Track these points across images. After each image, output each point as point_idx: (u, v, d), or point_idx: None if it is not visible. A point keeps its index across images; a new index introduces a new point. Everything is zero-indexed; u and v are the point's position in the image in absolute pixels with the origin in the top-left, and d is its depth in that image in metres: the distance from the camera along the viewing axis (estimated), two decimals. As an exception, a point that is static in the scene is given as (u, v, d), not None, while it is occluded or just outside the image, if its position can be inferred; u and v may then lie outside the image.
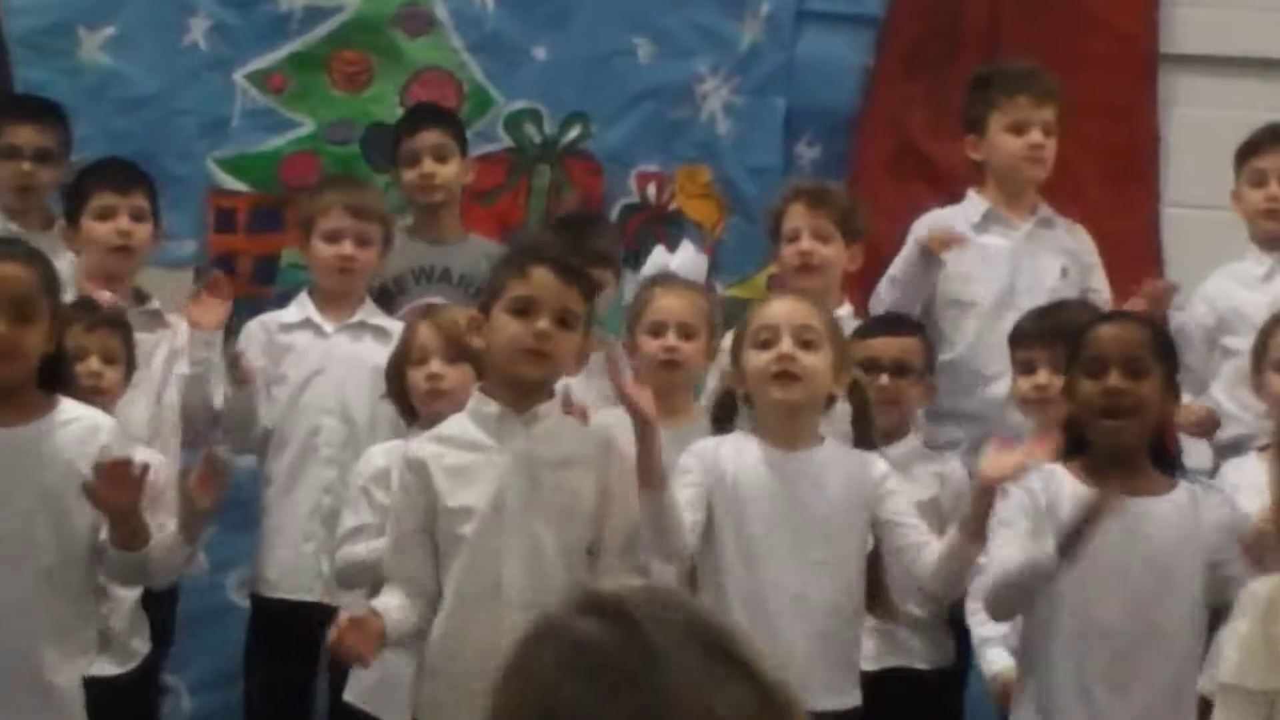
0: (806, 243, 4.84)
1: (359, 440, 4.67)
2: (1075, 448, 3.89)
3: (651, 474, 3.72)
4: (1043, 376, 4.45)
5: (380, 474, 4.26)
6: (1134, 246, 5.62)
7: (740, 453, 3.96)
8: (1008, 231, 5.11)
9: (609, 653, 1.46)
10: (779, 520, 3.91)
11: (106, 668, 4.27)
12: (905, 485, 4.14)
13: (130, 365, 4.49)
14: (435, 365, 4.30)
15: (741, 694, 1.46)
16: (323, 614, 4.37)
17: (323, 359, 4.83)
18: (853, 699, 3.95)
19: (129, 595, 4.40)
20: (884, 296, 4.94)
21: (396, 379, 4.43)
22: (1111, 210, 5.57)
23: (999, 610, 3.95)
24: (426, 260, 5.10)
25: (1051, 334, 4.41)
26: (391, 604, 3.69)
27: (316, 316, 4.89)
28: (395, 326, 4.72)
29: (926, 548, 3.90)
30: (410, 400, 4.39)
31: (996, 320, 4.92)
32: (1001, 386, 4.77)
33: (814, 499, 3.92)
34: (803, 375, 3.91)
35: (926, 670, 4.55)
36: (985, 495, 3.79)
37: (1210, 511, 3.87)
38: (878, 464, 4.02)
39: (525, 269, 3.75)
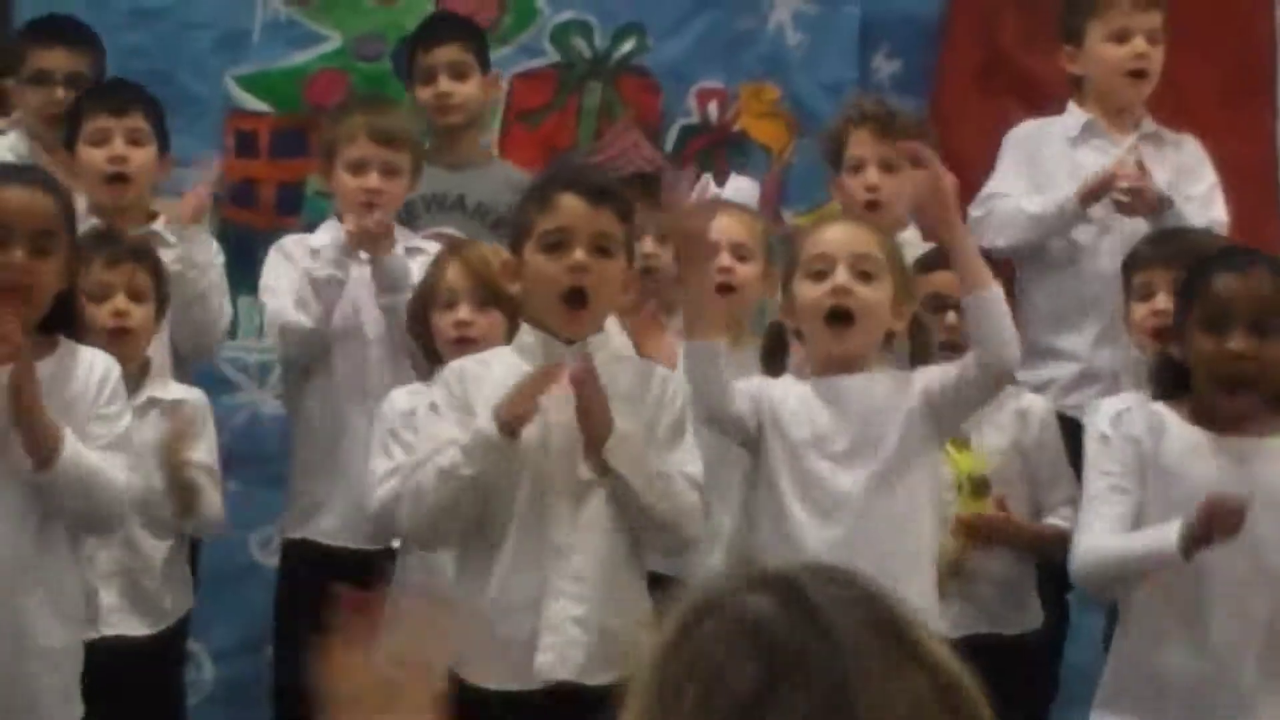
0: (873, 175, 4.66)
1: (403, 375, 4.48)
2: (1180, 385, 3.66)
3: (702, 323, 3.67)
4: (1162, 301, 4.21)
5: (406, 416, 4.11)
6: (1252, 171, 5.46)
7: (793, 389, 3.81)
8: (1108, 147, 4.89)
9: (784, 633, 1.47)
10: (831, 434, 3.74)
11: (137, 627, 4.19)
12: (983, 430, 4.03)
13: (162, 302, 4.32)
14: (464, 311, 4.14)
15: (921, 683, 1.47)
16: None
17: (363, 289, 4.58)
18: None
19: (158, 547, 4.25)
20: (1010, 230, 4.69)
21: (420, 321, 4.24)
22: (1227, 130, 5.33)
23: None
24: (440, 186, 4.89)
25: (1174, 258, 4.19)
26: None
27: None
28: (432, 246, 4.53)
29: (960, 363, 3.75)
30: (434, 344, 4.19)
31: (1093, 247, 4.76)
32: (1096, 321, 4.65)
33: (863, 410, 3.75)
34: (859, 312, 3.73)
35: (1012, 636, 4.31)
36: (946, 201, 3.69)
37: None
38: (923, 371, 3.84)
39: (550, 199, 3.62)
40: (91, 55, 4.89)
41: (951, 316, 4.23)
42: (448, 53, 4.94)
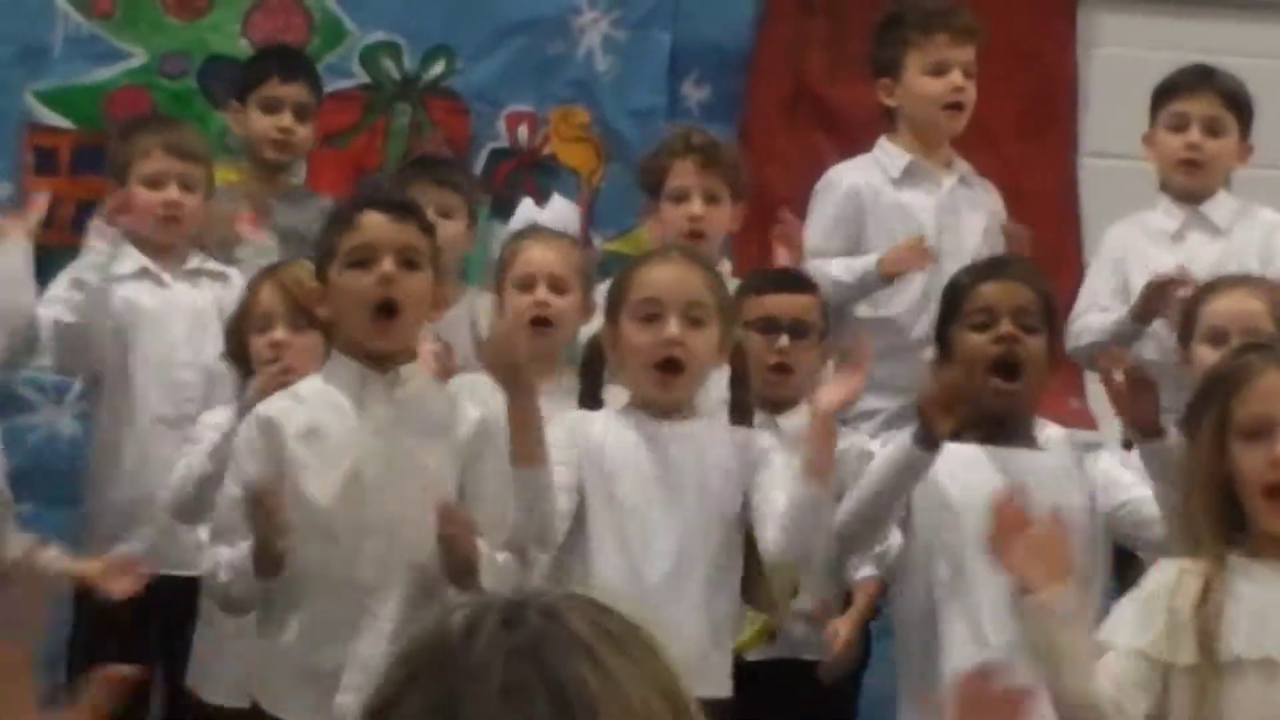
0: (697, 206, 4.61)
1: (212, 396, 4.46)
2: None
3: (527, 450, 3.47)
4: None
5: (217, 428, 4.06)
6: (1050, 203, 5.50)
7: (611, 426, 3.77)
8: (932, 188, 4.88)
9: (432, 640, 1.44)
10: (653, 489, 3.70)
11: None
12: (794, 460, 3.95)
13: None
14: (280, 332, 4.07)
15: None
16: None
17: (166, 309, 4.58)
18: (724, 689, 3.69)
19: None
20: (821, 285, 4.61)
21: (236, 342, 4.18)
22: (1026, 163, 5.46)
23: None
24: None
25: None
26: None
27: (152, 265, 4.62)
28: (235, 273, 4.57)
29: (777, 501, 3.69)
30: (250, 366, 4.12)
31: (919, 282, 4.72)
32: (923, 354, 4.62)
33: (690, 466, 3.73)
34: (689, 361, 3.70)
35: (814, 662, 4.32)
36: (824, 429, 3.63)
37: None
38: (761, 438, 3.83)
39: (352, 218, 3.58)
40: None
41: (783, 339, 4.25)
42: (296, 91, 4.91)
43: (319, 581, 3.50)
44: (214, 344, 4.41)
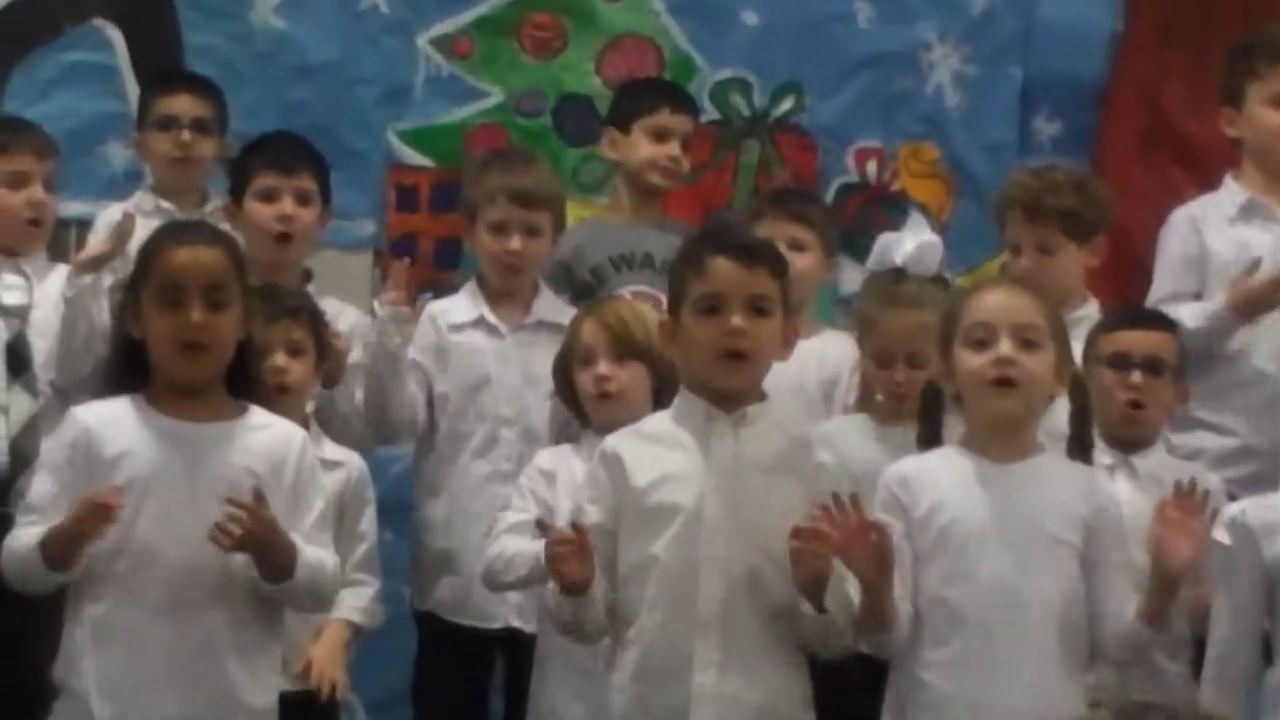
0: (1027, 260, 4.55)
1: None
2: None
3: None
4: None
5: (546, 475, 4.13)
6: None
7: (947, 466, 3.75)
8: (1269, 224, 4.77)
9: None
10: (998, 539, 3.66)
11: (291, 682, 4.10)
12: (1142, 505, 3.89)
13: (321, 355, 4.30)
14: (603, 366, 4.12)
15: None
16: (504, 635, 4.32)
17: (497, 363, 4.59)
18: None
19: None
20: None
21: (564, 381, 4.23)
22: None
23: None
24: (627, 246, 4.87)
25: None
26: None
27: (490, 315, 4.63)
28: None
29: (1120, 617, 3.69)
30: (579, 403, 4.19)
31: (1258, 322, 4.62)
32: (1264, 393, 4.59)
33: (1036, 514, 3.68)
34: (1023, 381, 3.67)
35: None
36: (1168, 584, 3.64)
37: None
38: (1103, 489, 3.79)
39: (702, 263, 3.59)
40: (215, 103, 4.90)
41: (1136, 375, 4.19)
42: (684, 123, 4.94)
43: (650, 623, 3.52)
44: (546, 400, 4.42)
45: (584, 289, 4.77)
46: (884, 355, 4.21)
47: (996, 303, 3.75)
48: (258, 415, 3.65)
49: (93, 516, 3.45)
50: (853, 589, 3.52)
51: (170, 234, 3.71)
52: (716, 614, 3.49)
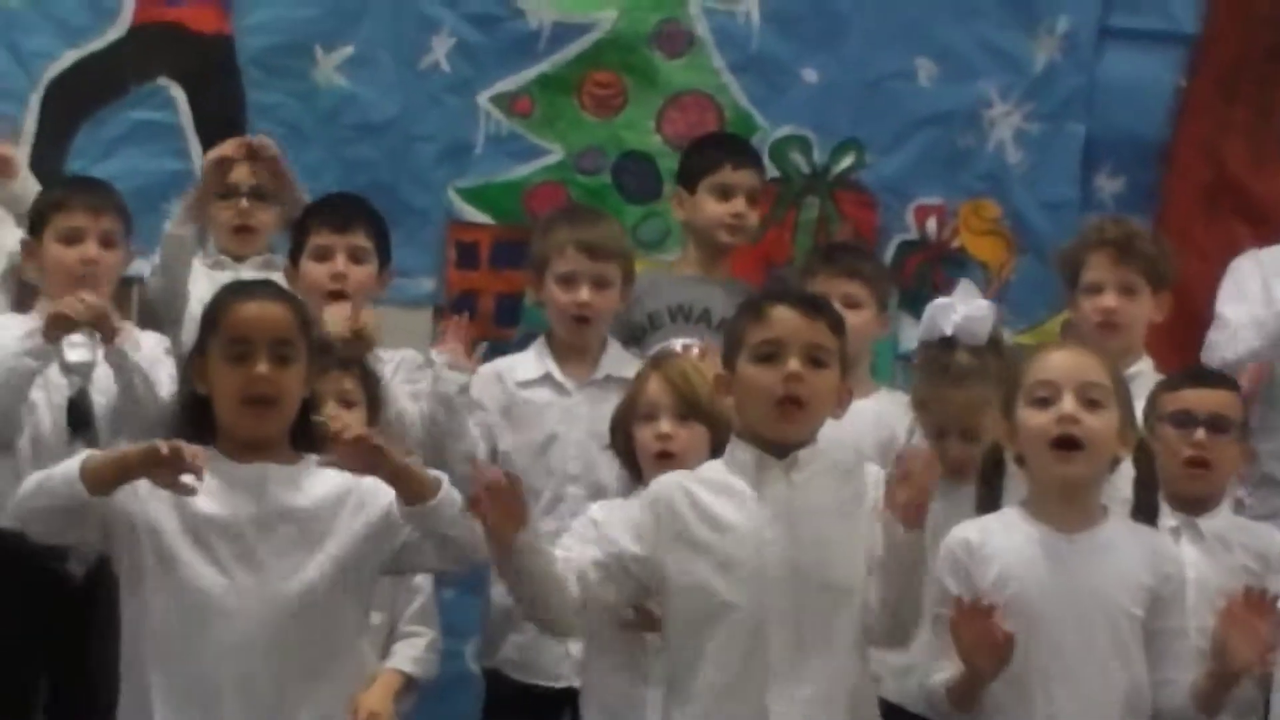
0: (1111, 299, 4.57)
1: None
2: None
3: None
4: None
5: (598, 525, 4.03)
6: None
7: (1010, 534, 3.71)
8: None
9: None
10: (1064, 616, 3.64)
11: None
12: (1207, 569, 3.91)
13: (373, 408, 4.32)
14: (665, 424, 4.06)
15: None
16: (569, 694, 4.26)
17: (564, 420, 4.61)
18: None
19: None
20: (1238, 358, 4.61)
21: (622, 435, 4.18)
22: None
23: None
24: (687, 297, 4.89)
25: None
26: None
27: (557, 372, 4.66)
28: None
29: (1175, 686, 3.68)
30: (635, 458, 4.15)
31: None
32: None
33: (1102, 590, 3.66)
34: (1086, 440, 3.65)
35: None
36: (1228, 681, 3.63)
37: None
38: (1169, 555, 3.76)
39: (763, 312, 3.60)
40: (271, 170, 4.87)
41: (1200, 433, 4.14)
42: (748, 178, 4.94)
43: (718, 679, 3.52)
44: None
45: (637, 329, 4.79)
46: (938, 430, 4.19)
47: (1060, 361, 3.74)
48: (321, 476, 3.58)
49: (168, 462, 3.38)
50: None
51: (236, 291, 3.71)
52: (787, 666, 3.47)
